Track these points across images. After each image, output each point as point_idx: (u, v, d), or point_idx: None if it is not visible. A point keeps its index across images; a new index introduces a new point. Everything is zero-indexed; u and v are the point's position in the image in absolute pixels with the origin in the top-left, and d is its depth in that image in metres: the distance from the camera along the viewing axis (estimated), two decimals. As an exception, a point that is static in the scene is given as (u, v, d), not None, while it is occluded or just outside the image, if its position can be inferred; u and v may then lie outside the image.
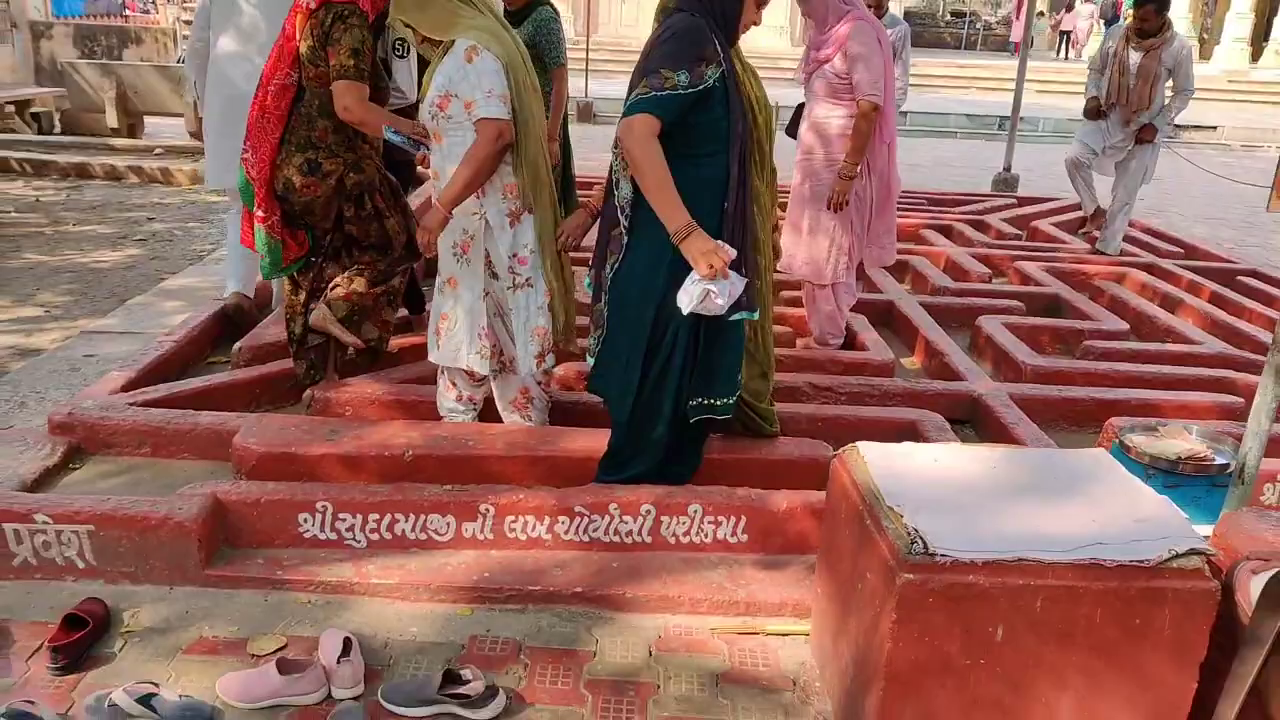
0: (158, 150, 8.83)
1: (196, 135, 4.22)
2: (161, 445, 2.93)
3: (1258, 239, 7.35)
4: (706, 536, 2.58)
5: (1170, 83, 5.38)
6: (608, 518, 2.55)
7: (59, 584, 2.42)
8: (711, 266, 2.31)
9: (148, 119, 10.03)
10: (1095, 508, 1.90)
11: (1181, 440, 2.49)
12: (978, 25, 28.38)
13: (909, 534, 1.76)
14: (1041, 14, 26.75)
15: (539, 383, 3.06)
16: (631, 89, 2.39)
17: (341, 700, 2.06)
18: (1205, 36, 22.56)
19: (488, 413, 3.12)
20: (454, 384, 3.02)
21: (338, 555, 2.51)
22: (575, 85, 13.06)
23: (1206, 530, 2.04)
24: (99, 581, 2.42)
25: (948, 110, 14.10)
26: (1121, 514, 1.89)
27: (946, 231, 6.06)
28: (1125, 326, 4.27)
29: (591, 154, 9.39)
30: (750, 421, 2.87)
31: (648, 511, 2.56)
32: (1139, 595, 1.74)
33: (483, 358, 2.83)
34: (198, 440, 2.93)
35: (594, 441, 2.84)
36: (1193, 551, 1.77)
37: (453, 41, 2.62)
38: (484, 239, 2.73)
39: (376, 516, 2.54)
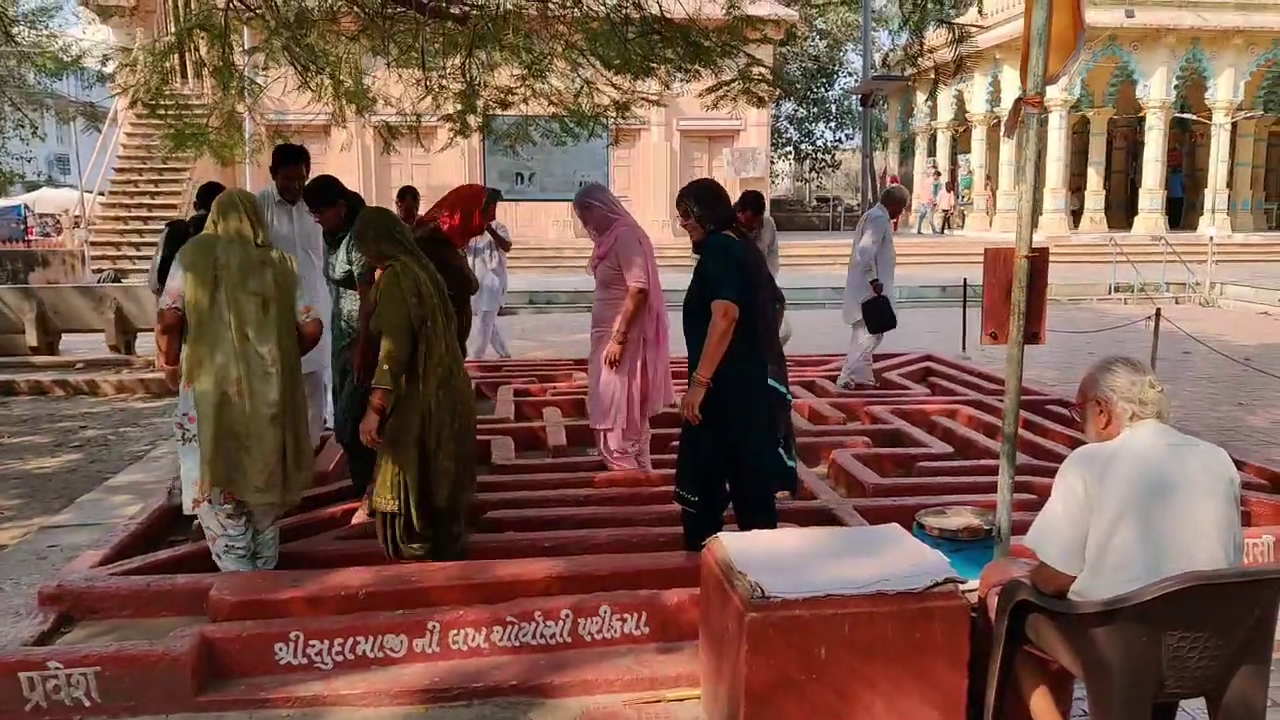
0: (79, 365, 9.25)
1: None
2: (143, 606, 3.40)
3: (1073, 375, 8.62)
4: (615, 632, 3.20)
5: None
6: (534, 623, 3.15)
7: (66, 724, 2.84)
8: None
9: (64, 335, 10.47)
10: (885, 561, 2.65)
11: (963, 518, 3.30)
12: (839, 208, 31.51)
13: (752, 586, 2.46)
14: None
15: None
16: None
17: (327, 779, 2.55)
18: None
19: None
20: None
21: (310, 676, 3.02)
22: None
23: (978, 577, 2.81)
24: (103, 718, 2.85)
25: (814, 285, 15.76)
26: (903, 563, 2.63)
27: (810, 386, 7.05)
28: (950, 450, 5.20)
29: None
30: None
31: (566, 615, 3.17)
32: (915, 614, 2.47)
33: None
34: (176, 598, 3.40)
35: (519, 569, 3.46)
36: (948, 580, 2.52)
37: None
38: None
39: (341, 640, 3.07)
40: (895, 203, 7.63)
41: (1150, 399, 2.37)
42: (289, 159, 4.82)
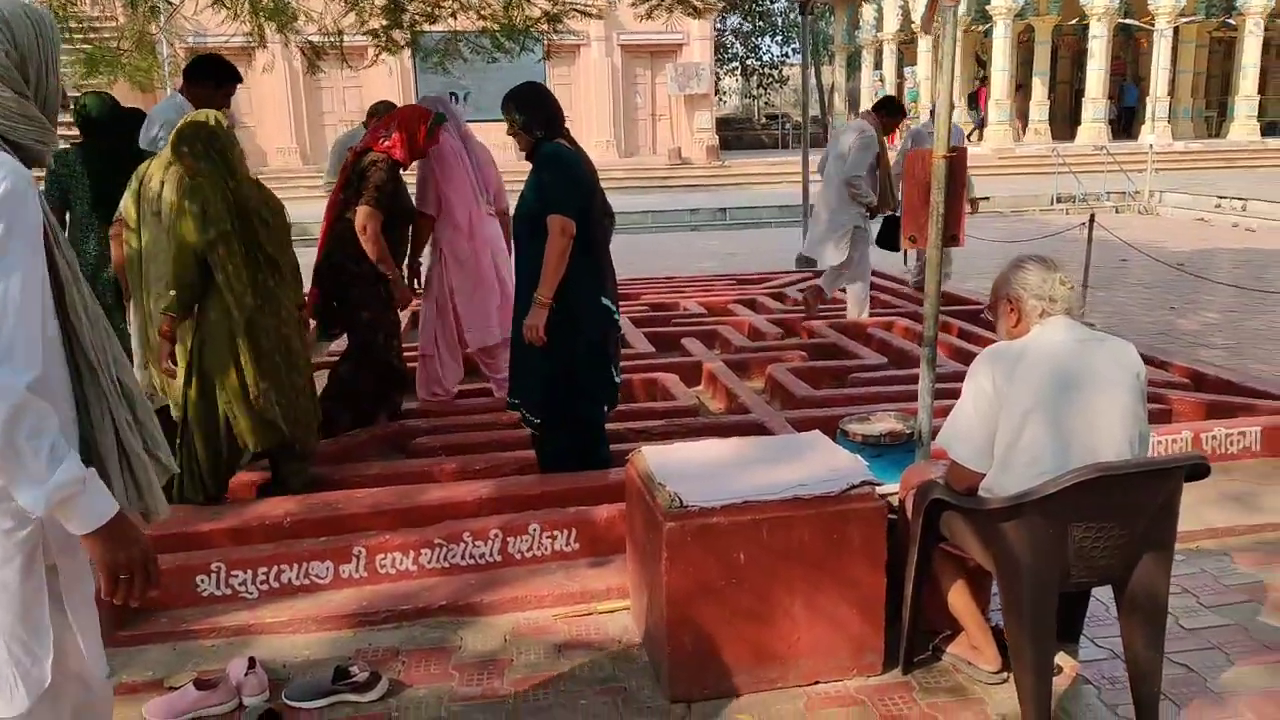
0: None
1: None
2: (61, 544, 3.31)
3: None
4: (546, 549, 3.20)
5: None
6: (463, 544, 3.14)
7: (-19, 665, 2.77)
8: None
9: None
10: (804, 466, 2.66)
11: (886, 423, 3.32)
12: (788, 126, 31.10)
13: (671, 496, 2.45)
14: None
15: None
16: None
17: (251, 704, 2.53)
18: (983, 121, 25.85)
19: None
20: None
21: (235, 606, 2.98)
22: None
23: (898, 480, 2.84)
24: (19, 657, 2.79)
25: (760, 204, 15.66)
26: (821, 468, 2.64)
27: (751, 304, 7.04)
28: (885, 360, 5.24)
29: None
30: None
31: (495, 535, 3.16)
32: (832, 517, 2.48)
33: None
34: (95, 535, 3.31)
35: (447, 493, 3.42)
36: (865, 483, 2.53)
37: None
38: None
39: (265, 569, 3.02)
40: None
41: (1060, 295, 2.37)
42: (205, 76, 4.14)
